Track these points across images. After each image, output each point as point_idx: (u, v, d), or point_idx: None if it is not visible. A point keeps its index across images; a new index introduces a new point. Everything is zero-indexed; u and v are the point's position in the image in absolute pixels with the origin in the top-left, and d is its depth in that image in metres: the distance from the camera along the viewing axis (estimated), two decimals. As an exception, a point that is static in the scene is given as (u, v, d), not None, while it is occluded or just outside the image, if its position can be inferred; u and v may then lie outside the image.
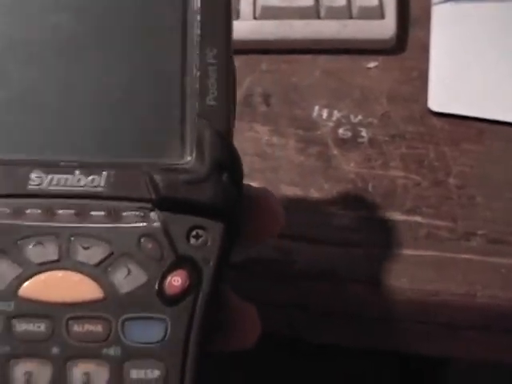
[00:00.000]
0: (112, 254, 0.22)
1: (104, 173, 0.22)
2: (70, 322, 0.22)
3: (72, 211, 0.22)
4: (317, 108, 0.42)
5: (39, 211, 0.22)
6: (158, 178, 0.22)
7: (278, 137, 0.41)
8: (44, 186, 0.22)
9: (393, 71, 0.43)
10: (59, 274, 0.22)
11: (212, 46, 0.23)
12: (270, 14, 0.44)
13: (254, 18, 0.44)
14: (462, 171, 0.40)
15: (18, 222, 0.22)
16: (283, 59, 0.44)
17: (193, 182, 0.22)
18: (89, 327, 0.22)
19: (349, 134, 0.41)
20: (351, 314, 0.39)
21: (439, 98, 0.42)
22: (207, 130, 0.23)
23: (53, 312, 0.22)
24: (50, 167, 0.22)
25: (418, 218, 0.39)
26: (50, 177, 0.22)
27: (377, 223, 0.39)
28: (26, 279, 0.22)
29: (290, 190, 0.40)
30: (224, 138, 0.23)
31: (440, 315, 0.38)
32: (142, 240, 0.22)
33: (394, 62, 0.44)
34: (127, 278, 0.22)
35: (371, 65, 0.44)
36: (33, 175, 0.22)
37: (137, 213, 0.22)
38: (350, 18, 0.44)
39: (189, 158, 0.23)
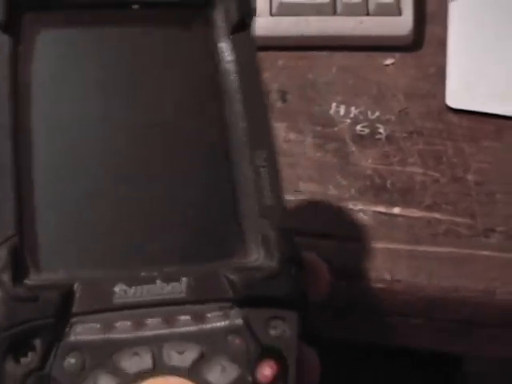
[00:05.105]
0: (204, 353, 0.23)
1: (184, 279, 0.24)
2: None
3: (159, 319, 0.23)
4: (334, 105, 0.42)
5: (129, 323, 0.23)
6: (234, 278, 0.24)
7: (295, 133, 0.41)
8: (129, 297, 0.23)
9: (410, 68, 0.43)
10: (158, 380, 0.22)
11: (261, 148, 0.25)
12: (286, 10, 0.44)
13: (271, 14, 0.44)
14: (480, 168, 0.40)
15: (111, 335, 0.23)
16: (300, 56, 0.44)
17: (267, 279, 0.24)
18: None
19: (366, 130, 0.41)
20: (367, 309, 0.38)
21: (457, 95, 0.42)
22: (271, 230, 0.24)
23: None
24: (131, 280, 0.23)
25: (436, 215, 0.38)
26: (133, 288, 0.23)
27: (395, 220, 0.38)
28: None
29: (307, 187, 0.39)
30: (287, 235, 0.25)
31: (459, 312, 0.38)
32: (229, 337, 0.23)
33: (411, 58, 0.44)
34: (223, 374, 0.23)
35: (388, 61, 0.44)
36: (117, 289, 0.23)
37: (219, 312, 0.23)
38: (367, 14, 0.44)
39: (256, 256, 0.25)
